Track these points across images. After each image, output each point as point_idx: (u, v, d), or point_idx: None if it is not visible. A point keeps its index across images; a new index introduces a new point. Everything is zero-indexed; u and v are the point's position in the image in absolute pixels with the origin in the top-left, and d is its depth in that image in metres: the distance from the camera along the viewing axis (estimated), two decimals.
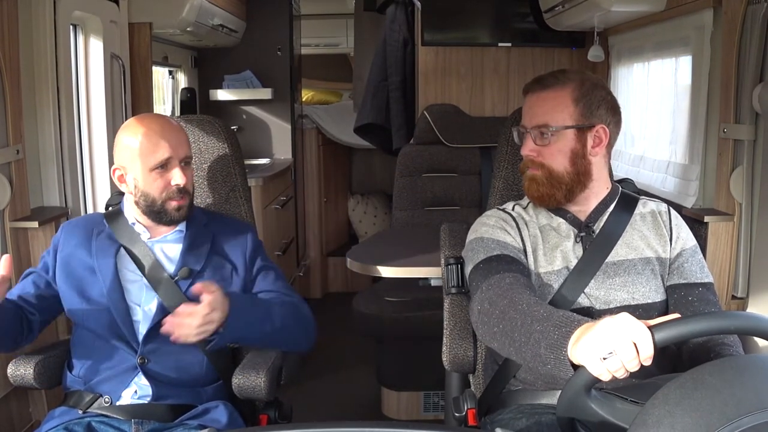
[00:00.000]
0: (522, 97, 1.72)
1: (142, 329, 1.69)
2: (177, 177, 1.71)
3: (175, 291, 1.71)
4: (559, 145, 1.62)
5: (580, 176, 1.64)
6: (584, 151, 1.63)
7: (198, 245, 1.78)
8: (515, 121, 1.97)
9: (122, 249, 1.74)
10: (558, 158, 1.62)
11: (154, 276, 1.72)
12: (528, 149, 1.64)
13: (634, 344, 1.13)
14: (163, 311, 1.69)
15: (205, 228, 1.82)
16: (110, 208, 1.91)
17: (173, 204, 1.72)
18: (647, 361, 1.14)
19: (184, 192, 1.73)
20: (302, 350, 1.82)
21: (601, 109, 1.63)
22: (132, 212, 1.77)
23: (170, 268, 1.75)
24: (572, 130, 1.61)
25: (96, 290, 1.71)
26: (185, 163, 1.73)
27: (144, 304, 1.72)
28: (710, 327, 1.15)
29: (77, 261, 1.74)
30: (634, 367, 1.14)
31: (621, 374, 1.15)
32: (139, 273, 1.73)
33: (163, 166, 1.70)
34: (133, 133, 1.70)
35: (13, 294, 1.72)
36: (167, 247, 1.78)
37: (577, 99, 1.61)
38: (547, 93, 1.63)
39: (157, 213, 1.74)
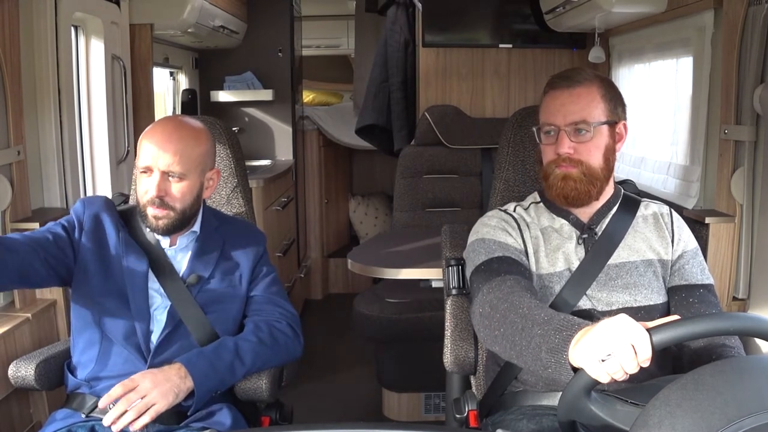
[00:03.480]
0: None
1: (153, 338, 1.68)
2: (150, 186, 1.66)
3: (186, 297, 1.70)
4: (596, 141, 1.61)
5: (610, 172, 1.65)
6: (614, 147, 1.64)
7: (207, 251, 1.77)
8: (521, 120, 1.97)
9: (148, 256, 1.72)
10: (595, 154, 1.61)
11: (169, 283, 1.71)
12: (566, 147, 1.60)
13: (632, 346, 1.13)
14: (174, 319, 1.68)
15: (215, 231, 1.80)
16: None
17: (151, 211, 1.67)
18: (645, 363, 1.14)
19: (162, 204, 1.66)
20: (288, 363, 1.80)
21: (619, 106, 1.65)
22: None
23: (181, 273, 1.74)
24: (606, 126, 1.62)
25: (118, 292, 1.68)
26: (172, 176, 1.66)
27: (157, 312, 1.70)
28: (708, 328, 1.14)
29: (105, 254, 1.70)
30: (633, 369, 1.14)
31: (619, 376, 1.14)
32: (156, 281, 1.71)
33: (146, 171, 1.67)
34: (144, 132, 1.71)
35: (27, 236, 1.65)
36: (181, 252, 1.76)
37: (604, 95, 1.62)
38: (580, 89, 1.61)
39: (142, 218, 1.71)
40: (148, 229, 1.73)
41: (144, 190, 1.68)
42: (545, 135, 1.65)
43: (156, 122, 1.74)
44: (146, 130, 1.71)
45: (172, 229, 1.71)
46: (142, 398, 1.51)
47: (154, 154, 1.65)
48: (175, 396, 1.54)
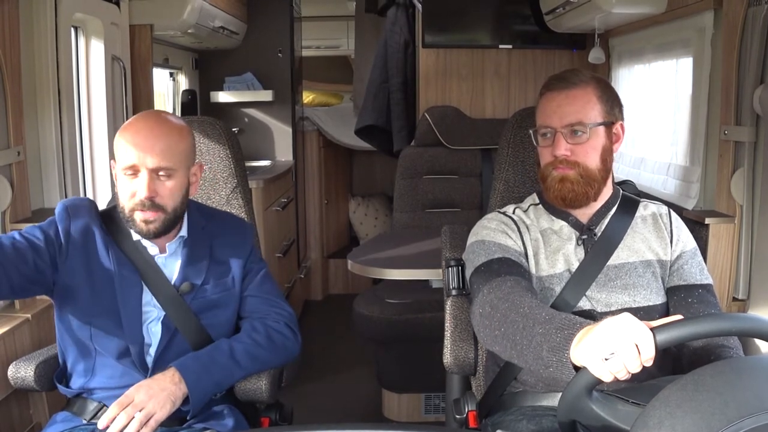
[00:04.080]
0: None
1: (151, 351, 1.64)
2: (140, 187, 1.56)
3: (180, 306, 1.65)
4: (593, 143, 1.61)
5: (607, 173, 1.65)
6: (611, 148, 1.64)
7: (197, 256, 1.70)
8: (521, 122, 1.97)
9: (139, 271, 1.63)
10: (592, 156, 1.61)
11: (161, 293, 1.65)
12: (563, 148, 1.60)
13: (636, 345, 1.13)
14: (169, 329, 1.64)
15: (203, 231, 1.74)
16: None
17: (140, 215, 1.57)
18: (648, 363, 1.14)
19: (152, 206, 1.57)
20: (285, 364, 1.77)
21: (616, 107, 1.66)
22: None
23: (173, 281, 1.68)
24: (602, 127, 1.62)
25: (109, 309, 1.62)
26: (161, 175, 1.57)
27: (151, 325, 1.66)
28: (712, 328, 1.14)
29: (93, 268, 1.62)
30: (636, 368, 1.14)
31: (622, 375, 1.14)
32: (149, 292, 1.65)
33: (132, 173, 1.56)
34: (122, 129, 1.62)
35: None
36: (170, 259, 1.70)
37: (601, 96, 1.62)
38: (576, 90, 1.61)
39: (128, 222, 1.61)
40: (136, 235, 1.64)
41: (130, 192, 1.57)
42: (542, 137, 1.65)
43: (134, 119, 1.63)
44: (123, 127, 1.60)
45: (163, 232, 1.62)
46: (140, 411, 1.48)
47: (141, 152, 1.54)
48: (172, 404, 1.52)
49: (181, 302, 1.66)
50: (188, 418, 1.60)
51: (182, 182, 1.63)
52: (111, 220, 1.68)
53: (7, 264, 1.50)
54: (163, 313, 1.65)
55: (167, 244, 1.69)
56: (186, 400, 1.56)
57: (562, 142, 1.60)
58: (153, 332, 1.65)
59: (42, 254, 1.57)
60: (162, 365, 1.62)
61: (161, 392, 1.51)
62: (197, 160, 1.72)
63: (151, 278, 1.65)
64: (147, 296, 1.65)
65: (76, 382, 1.66)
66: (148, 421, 1.48)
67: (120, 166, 1.58)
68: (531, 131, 1.69)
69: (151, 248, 1.67)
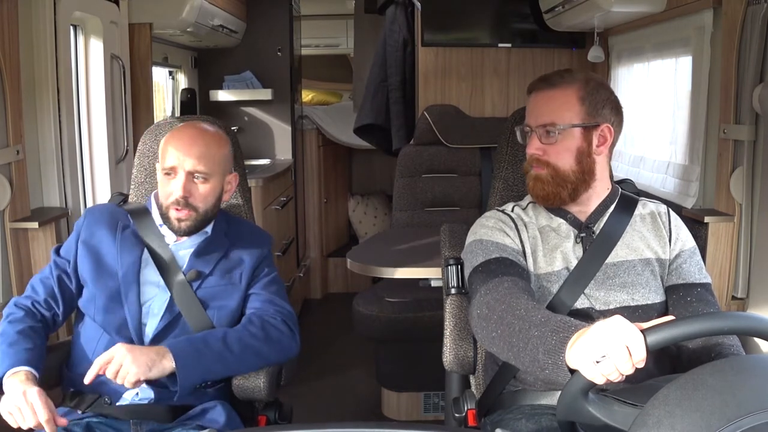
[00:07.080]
0: (523, 97, 1.71)
1: (148, 331, 1.70)
2: (175, 187, 1.70)
3: (187, 291, 1.72)
4: (565, 144, 1.61)
5: (585, 175, 1.64)
6: (590, 150, 1.63)
7: (210, 250, 1.78)
8: (517, 120, 1.97)
9: (146, 250, 1.76)
10: (564, 157, 1.62)
11: (171, 278, 1.73)
12: (534, 148, 1.63)
13: (627, 347, 1.13)
14: (172, 312, 1.71)
15: (224, 234, 1.83)
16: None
17: (174, 213, 1.72)
18: (640, 364, 1.14)
19: (186, 205, 1.71)
20: (283, 362, 1.79)
21: (605, 108, 1.64)
22: (158, 214, 1.79)
23: (183, 269, 1.76)
24: (579, 129, 1.61)
25: (113, 286, 1.72)
26: (197, 177, 1.71)
27: (154, 305, 1.72)
28: (702, 328, 1.15)
29: (100, 253, 1.75)
30: (628, 371, 1.14)
31: (615, 377, 1.15)
32: (158, 275, 1.73)
33: (170, 173, 1.71)
34: (168, 135, 1.76)
35: (39, 295, 1.74)
36: (185, 250, 1.78)
37: (583, 98, 1.62)
38: (554, 92, 1.62)
39: (164, 219, 1.76)
40: (160, 228, 1.77)
41: (168, 192, 1.72)
42: (525, 136, 1.69)
43: (179, 126, 1.79)
44: (170, 133, 1.76)
45: (194, 230, 1.76)
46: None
47: (181, 155, 1.69)
48: (147, 368, 1.54)
49: (187, 287, 1.73)
50: (175, 399, 1.62)
51: (216, 187, 1.75)
52: (136, 212, 1.82)
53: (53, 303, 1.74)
54: (169, 294, 1.72)
55: (186, 239, 1.79)
56: (175, 382, 1.58)
57: (534, 142, 1.64)
58: (155, 312, 1.72)
59: (70, 279, 1.76)
60: (157, 344, 1.66)
61: (141, 355, 1.55)
62: (233, 170, 1.84)
63: (162, 261, 1.75)
64: (156, 277, 1.73)
65: (78, 368, 1.70)
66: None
67: (162, 167, 1.74)
68: (517, 128, 1.73)
69: (168, 236, 1.78)
